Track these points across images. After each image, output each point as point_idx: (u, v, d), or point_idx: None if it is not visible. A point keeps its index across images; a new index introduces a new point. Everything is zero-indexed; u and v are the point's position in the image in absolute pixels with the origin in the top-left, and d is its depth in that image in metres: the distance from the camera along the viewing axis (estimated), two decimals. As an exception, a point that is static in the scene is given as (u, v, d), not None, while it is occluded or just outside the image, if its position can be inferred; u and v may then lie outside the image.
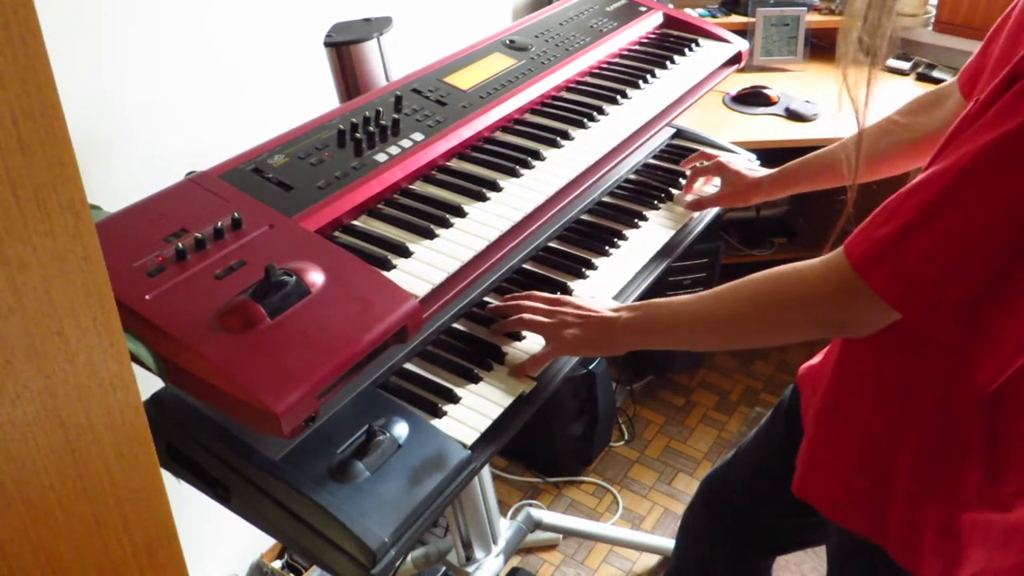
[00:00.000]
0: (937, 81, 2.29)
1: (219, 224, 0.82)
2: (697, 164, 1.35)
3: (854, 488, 0.95)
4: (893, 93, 2.25)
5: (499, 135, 1.15)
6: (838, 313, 0.80)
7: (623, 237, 1.20)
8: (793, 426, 1.14)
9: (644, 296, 1.13)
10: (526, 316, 1.00)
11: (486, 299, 1.07)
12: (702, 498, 1.41)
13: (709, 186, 1.36)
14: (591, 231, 1.21)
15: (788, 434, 1.17)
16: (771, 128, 2.09)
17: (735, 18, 2.36)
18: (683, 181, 1.34)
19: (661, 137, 1.45)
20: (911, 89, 2.26)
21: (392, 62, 1.21)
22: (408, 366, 0.97)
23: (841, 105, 0.84)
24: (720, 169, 1.31)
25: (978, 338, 0.76)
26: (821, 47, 2.55)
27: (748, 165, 1.31)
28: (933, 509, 0.88)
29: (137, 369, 0.57)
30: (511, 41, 1.29)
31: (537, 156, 1.10)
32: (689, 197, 1.32)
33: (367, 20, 1.21)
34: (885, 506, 0.92)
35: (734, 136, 1.96)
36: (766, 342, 0.90)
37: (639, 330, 0.95)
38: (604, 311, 0.98)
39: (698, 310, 0.91)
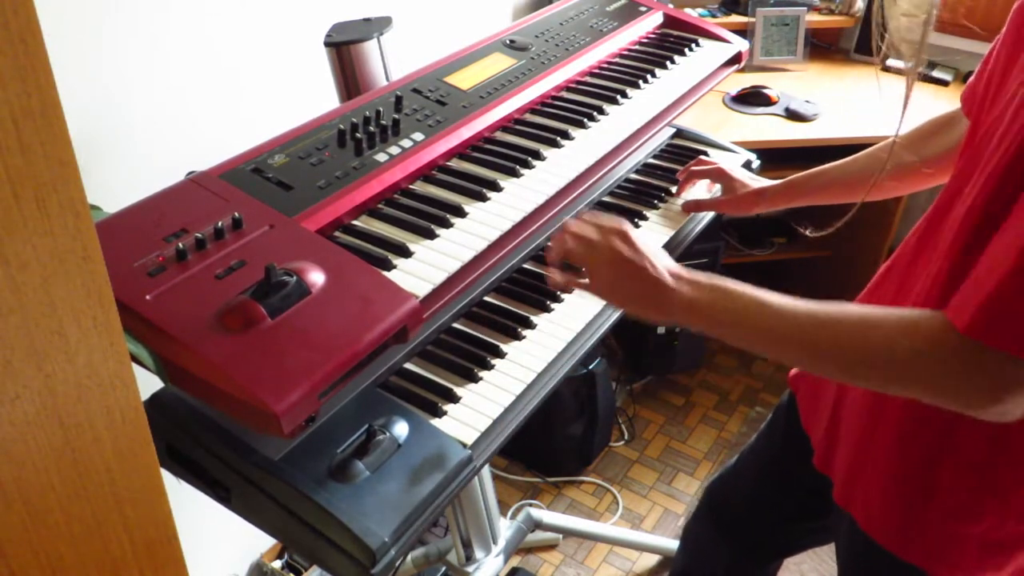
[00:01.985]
0: (937, 81, 2.29)
1: (219, 224, 0.82)
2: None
3: (891, 500, 0.92)
4: (893, 93, 2.25)
5: (499, 135, 1.15)
6: (971, 391, 0.69)
7: (623, 237, 1.20)
8: (792, 429, 1.13)
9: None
10: (571, 243, 0.89)
11: (486, 299, 1.07)
12: (706, 505, 1.40)
13: (702, 189, 1.33)
14: (591, 231, 1.20)
15: (787, 437, 1.17)
16: (771, 128, 2.09)
17: (735, 18, 2.36)
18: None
19: (661, 137, 1.45)
20: (911, 89, 2.25)
21: (392, 62, 1.21)
22: (408, 366, 0.97)
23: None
24: (720, 175, 1.28)
25: None
26: (821, 47, 2.55)
27: (750, 175, 1.28)
28: (977, 521, 0.86)
29: (137, 369, 0.57)
30: (511, 41, 1.29)
31: (537, 156, 1.10)
32: (685, 197, 1.30)
33: (367, 20, 1.22)
34: (924, 520, 0.89)
35: (734, 136, 1.96)
36: (867, 387, 0.83)
37: (705, 320, 0.83)
38: (661, 268, 0.85)
39: (792, 322, 0.78)
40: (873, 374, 0.75)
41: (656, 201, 1.29)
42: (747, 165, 1.41)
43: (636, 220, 1.24)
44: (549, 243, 0.94)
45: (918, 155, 1.07)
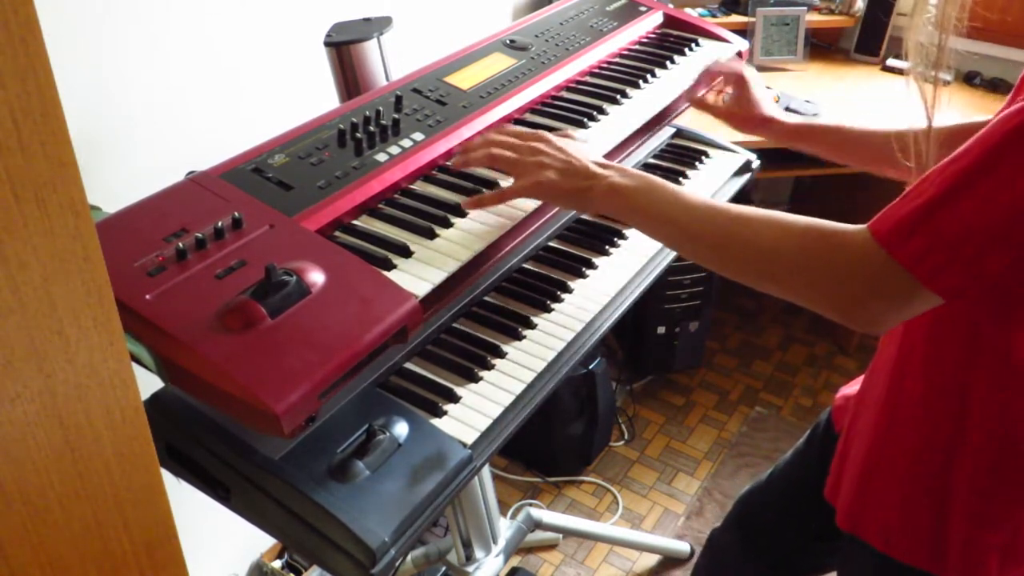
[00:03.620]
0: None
1: (219, 224, 0.82)
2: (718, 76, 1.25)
3: (910, 514, 0.91)
4: (893, 92, 2.25)
5: (499, 135, 1.15)
6: (861, 291, 0.72)
7: (623, 236, 1.20)
8: (827, 451, 1.10)
9: (647, 293, 1.13)
10: (495, 150, 0.93)
11: (486, 299, 1.07)
12: (735, 516, 1.38)
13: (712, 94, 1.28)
14: (591, 231, 1.21)
15: (822, 458, 1.14)
16: (771, 128, 2.09)
17: (735, 18, 2.36)
18: (683, 181, 1.34)
19: (661, 137, 1.45)
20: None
21: (392, 62, 1.21)
22: (408, 365, 0.97)
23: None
24: (739, 85, 1.22)
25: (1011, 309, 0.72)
26: (821, 47, 2.55)
27: (768, 98, 1.23)
28: (996, 528, 0.85)
29: (137, 369, 0.57)
30: (511, 41, 1.29)
31: (537, 156, 1.10)
32: (696, 90, 1.24)
33: (367, 20, 1.22)
34: (945, 530, 0.88)
35: (734, 135, 1.95)
36: (769, 290, 0.81)
37: (625, 201, 0.86)
38: (587, 161, 0.90)
39: (711, 218, 0.82)
40: (777, 272, 0.78)
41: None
42: (747, 165, 1.41)
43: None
44: (456, 154, 0.98)
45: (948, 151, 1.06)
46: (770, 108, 1.20)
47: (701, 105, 1.25)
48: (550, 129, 1.16)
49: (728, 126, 1.25)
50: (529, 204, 1.02)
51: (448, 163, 1.07)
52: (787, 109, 2.14)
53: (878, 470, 0.94)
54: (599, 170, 0.89)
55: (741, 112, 1.21)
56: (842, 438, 1.04)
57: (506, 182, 1.05)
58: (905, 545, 0.93)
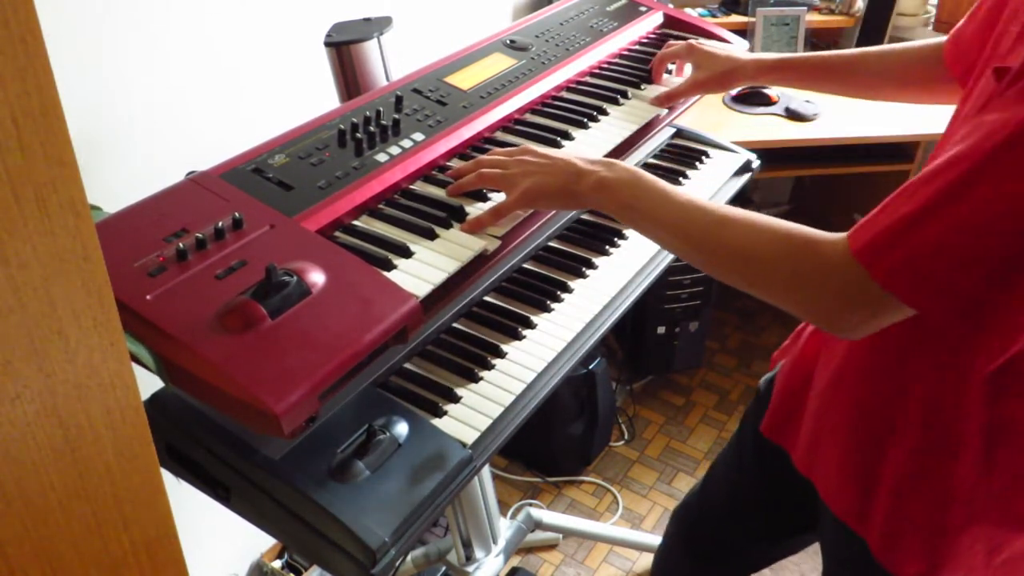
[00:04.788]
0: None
1: (220, 224, 0.82)
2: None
3: (846, 471, 0.93)
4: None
5: (499, 135, 1.15)
6: (837, 308, 0.73)
7: (623, 236, 1.20)
8: (763, 450, 1.10)
9: (647, 293, 1.13)
10: (484, 171, 0.95)
11: (486, 299, 1.07)
12: (676, 533, 1.38)
13: (680, 76, 1.27)
14: (591, 230, 1.21)
15: (757, 458, 1.15)
16: (771, 128, 2.09)
17: (735, 18, 2.36)
18: (683, 180, 1.34)
19: (661, 137, 1.45)
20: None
21: (392, 62, 1.21)
22: (408, 365, 0.97)
23: None
24: (691, 52, 1.21)
25: (981, 324, 0.73)
26: (821, 47, 2.55)
27: (725, 47, 1.22)
28: (922, 505, 0.86)
29: (137, 369, 0.57)
30: (511, 41, 1.29)
31: (537, 156, 1.10)
32: (658, 90, 1.24)
33: (367, 20, 1.21)
34: (873, 495, 0.90)
35: (734, 136, 1.96)
36: (751, 293, 0.81)
37: (612, 197, 0.87)
38: (574, 159, 0.90)
39: (696, 218, 0.82)
40: (759, 278, 0.78)
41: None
42: (747, 165, 1.41)
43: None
44: (455, 170, 1.00)
45: (931, 71, 1.04)
46: (733, 54, 1.19)
47: (669, 100, 1.24)
48: (550, 129, 1.16)
49: (709, 92, 1.24)
50: (529, 204, 1.02)
51: (448, 165, 1.07)
52: (787, 109, 2.14)
53: (826, 421, 0.96)
54: (587, 166, 0.90)
55: (709, 75, 1.20)
56: (792, 376, 1.05)
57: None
58: (840, 503, 0.94)
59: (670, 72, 1.33)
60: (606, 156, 1.14)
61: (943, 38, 1.02)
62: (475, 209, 0.99)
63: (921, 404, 0.84)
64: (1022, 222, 0.62)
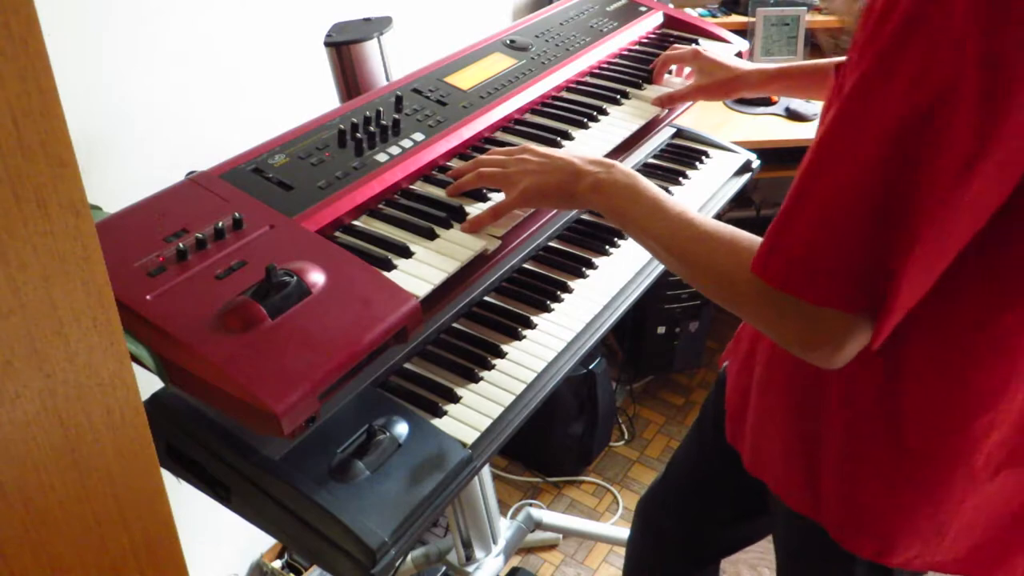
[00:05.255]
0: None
1: (220, 224, 0.82)
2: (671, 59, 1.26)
3: (790, 461, 0.92)
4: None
5: (500, 135, 1.15)
6: (795, 336, 0.71)
7: (623, 236, 1.20)
8: (721, 433, 1.10)
9: (647, 293, 1.13)
10: (483, 170, 0.95)
11: (486, 299, 1.07)
12: (641, 524, 1.37)
13: (681, 77, 1.28)
14: (591, 230, 1.21)
15: (716, 439, 1.13)
16: (771, 128, 2.09)
17: (735, 18, 2.36)
18: (683, 180, 1.34)
19: (661, 137, 1.45)
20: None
21: (392, 62, 1.21)
22: (408, 366, 0.97)
23: None
24: (696, 57, 1.22)
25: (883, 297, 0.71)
26: (821, 47, 2.55)
27: (730, 57, 1.23)
28: (863, 484, 0.86)
29: (137, 369, 0.57)
30: (511, 41, 1.29)
31: (537, 156, 1.10)
32: (658, 90, 1.25)
33: (367, 20, 1.22)
34: (818, 481, 0.89)
35: (734, 136, 1.96)
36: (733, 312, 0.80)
37: (607, 200, 0.87)
38: (574, 159, 0.90)
39: (678, 233, 0.81)
40: (729, 300, 0.77)
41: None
42: (747, 165, 1.41)
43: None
44: (455, 170, 1.01)
45: None
46: (737, 64, 1.20)
47: (671, 102, 1.25)
48: (550, 129, 1.16)
49: (710, 99, 1.25)
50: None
51: (448, 166, 1.07)
52: (787, 109, 2.14)
53: (765, 416, 0.95)
54: (586, 166, 0.90)
55: (712, 82, 1.21)
56: (738, 377, 1.04)
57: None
58: (792, 495, 0.94)
59: (671, 73, 1.33)
60: (606, 156, 1.14)
61: None
62: (475, 209, 0.99)
63: (837, 386, 0.83)
64: (867, 199, 0.63)
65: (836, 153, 0.65)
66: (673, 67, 1.32)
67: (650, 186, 0.87)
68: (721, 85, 1.20)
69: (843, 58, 0.74)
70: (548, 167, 0.92)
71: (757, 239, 0.75)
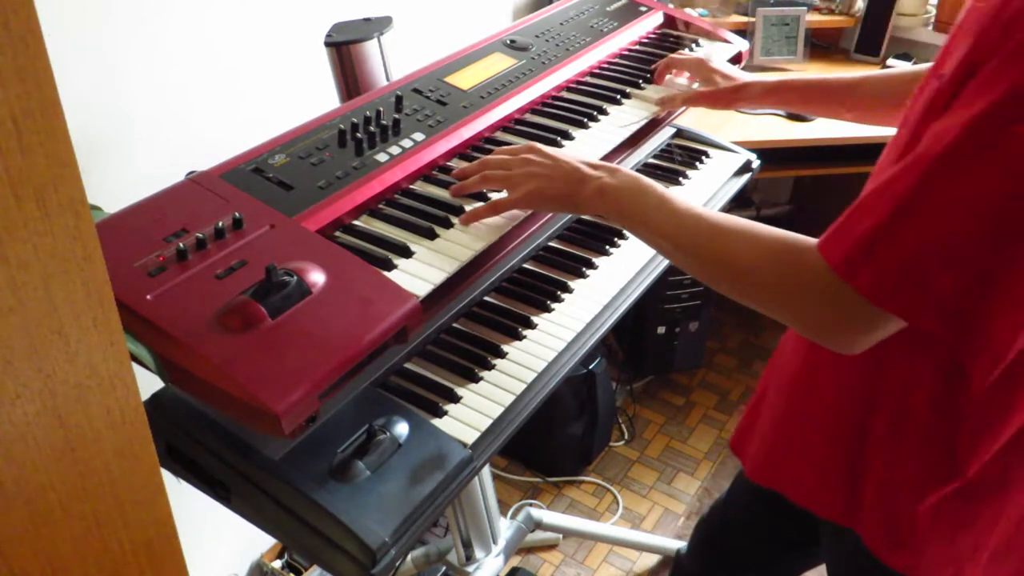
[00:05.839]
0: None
1: (220, 224, 0.82)
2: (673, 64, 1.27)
3: (828, 472, 0.92)
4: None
5: (500, 135, 1.15)
6: (827, 322, 0.73)
7: (623, 236, 1.20)
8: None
9: (647, 293, 1.13)
10: (488, 173, 0.95)
11: (486, 299, 1.07)
12: (700, 546, 1.37)
13: (682, 78, 1.29)
14: (591, 230, 1.21)
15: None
16: (771, 128, 2.09)
17: (735, 18, 2.36)
18: (683, 180, 1.34)
19: (661, 137, 1.45)
20: (911, 89, 2.26)
21: (392, 62, 1.21)
22: (408, 365, 0.97)
23: None
24: (699, 66, 1.23)
25: (973, 331, 0.72)
26: (821, 47, 2.55)
27: (733, 68, 1.24)
28: (904, 497, 0.86)
29: (137, 369, 0.57)
30: (511, 41, 1.29)
31: (537, 156, 1.10)
32: (659, 91, 1.26)
33: (367, 20, 1.21)
34: (859, 491, 0.90)
35: (734, 136, 1.96)
36: (747, 304, 0.81)
37: (613, 204, 0.87)
38: (578, 163, 0.91)
39: (691, 228, 0.82)
40: (752, 291, 0.78)
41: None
42: (747, 165, 1.41)
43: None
44: (460, 170, 1.00)
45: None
46: (740, 75, 1.21)
47: (672, 104, 1.25)
48: (550, 129, 1.16)
49: (710, 107, 1.25)
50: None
51: (449, 166, 1.07)
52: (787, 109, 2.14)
53: (797, 423, 0.95)
54: (589, 171, 0.90)
55: (714, 91, 1.21)
56: (757, 393, 1.05)
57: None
58: (823, 503, 0.94)
59: (671, 74, 1.33)
60: (607, 155, 1.14)
61: None
62: (446, 233, 0.96)
63: (892, 400, 0.84)
64: (982, 221, 0.63)
65: (961, 171, 0.64)
66: (674, 71, 1.31)
67: (655, 185, 0.87)
68: (723, 96, 1.21)
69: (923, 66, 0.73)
70: (553, 172, 0.92)
71: (775, 229, 0.77)
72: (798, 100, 1.18)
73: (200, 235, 0.80)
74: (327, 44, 1.17)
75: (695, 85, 1.28)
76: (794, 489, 0.97)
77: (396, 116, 1.05)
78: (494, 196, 1.00)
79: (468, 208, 0.98)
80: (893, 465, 0.86)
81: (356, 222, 0.96)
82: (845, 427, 0.90)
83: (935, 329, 0.69)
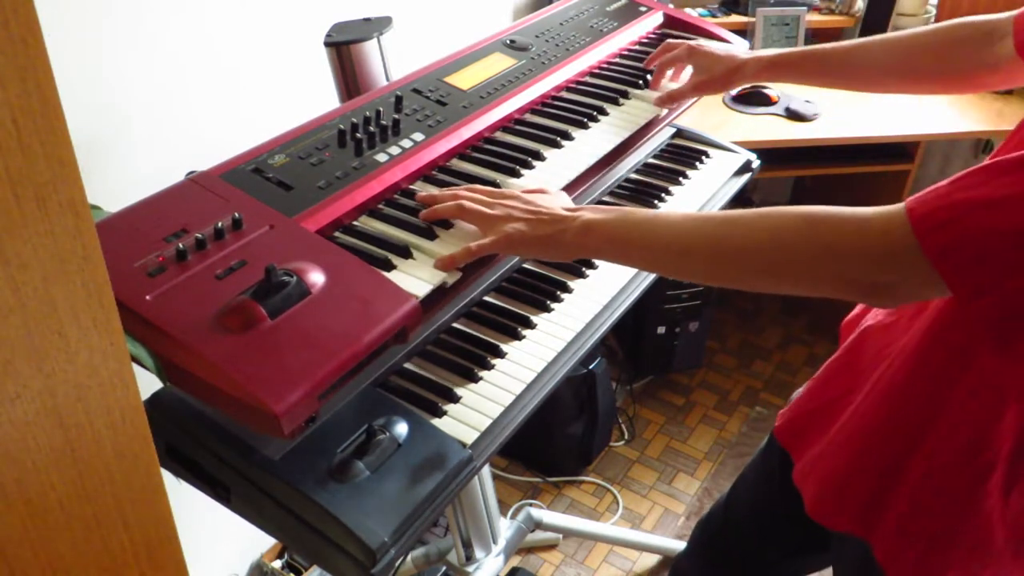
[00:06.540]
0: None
1: (219, 224, 0.82)
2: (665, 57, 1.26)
3: (850, 485, 0.92)
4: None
5: (500, 135, 1.15)
6: (880, 273, 0.70)
7: (623, 237, 1.19)
8: (786, 464, 1.08)
9: (647, 293, 1.13)
10: (465, 204, 0.91)
11: (486, 299, 1.07)
12: (700, 546, 1.36)
13: (682, 79, 1.28)
14: (591, 231, 1.20)
15: (783, 467, 1.13)
16: (771, 128, 2.09)
17: (735, 18, 2.36)
18: (683, 180, 1.34)
19: (661, 137, 1.45)
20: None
21: (392, 62, 1.21)
22: (408, 365, 0.97)
23: None
24: (691, 54, 1.21)
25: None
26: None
27: (726, 47, 1.22)
28: (934, 520, 0.85)
29: (137, 369, 0.57)
30: (511, 41, 1.29)
31: (538, 156, 1.10)
32: (658, 92, 1.25)
33: (367, 20, 1.21)
34: (885, 503, 0.89)
35: (734, 136, 1.96)
36: (772, 287, 0.78)
37: (602, 235, 0.83)
38: (557, 208, 0.88)
39: (698, 228, 0.79)
40: (778, 265, 0.75)
41: (656, 201, 1.29)
42: (747, 165, 1.41)
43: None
44: (429, 195, 0.96)
45: (940, 62, 1.00)
46: (734, 55, 1.19)
47: (673, 99, 1.24)
48: (550, 129, 1.16)
49: (710, 94, 1.24)
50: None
51: (449, 166, 1.07)
52: (787, 109, 2.14)
53: (840, 432, 0.94)
54: (570, 213, 0.87)
55: (710, 77, 1.20)
56: (831, 381, 1.02)
57: (503, 180, 1.05)
58: (829, 508, 0.93)
59: (666, 78, 1.32)
60: (606, 156, 1.14)
61: (975, 18, 0.97)
62: (445, 234, 0.95)
63: (955, 423, 0.82)
64: None
65: None
66: (669, 71, 1.31)
67: (638, 207, 0.86)
68: (719, 78, 1.19)
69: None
70: (534, 217, 0.88)
71: (778, 207, 0.76)
72: (795, 73, 1.15)
73: (200, 235, 0.80)
74: (327, 44, 1.17)
75: (689, 69, 1.26)
76: (815, 490, 0.96)
77: (396, 116, 1.05)
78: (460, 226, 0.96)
79: (437, 231, 0.94)
80: (936, 488, 0.85)
81: (356, 222, 0.96)
82: (890, 441, 0.87)
83: (978, 319, 0.66)
